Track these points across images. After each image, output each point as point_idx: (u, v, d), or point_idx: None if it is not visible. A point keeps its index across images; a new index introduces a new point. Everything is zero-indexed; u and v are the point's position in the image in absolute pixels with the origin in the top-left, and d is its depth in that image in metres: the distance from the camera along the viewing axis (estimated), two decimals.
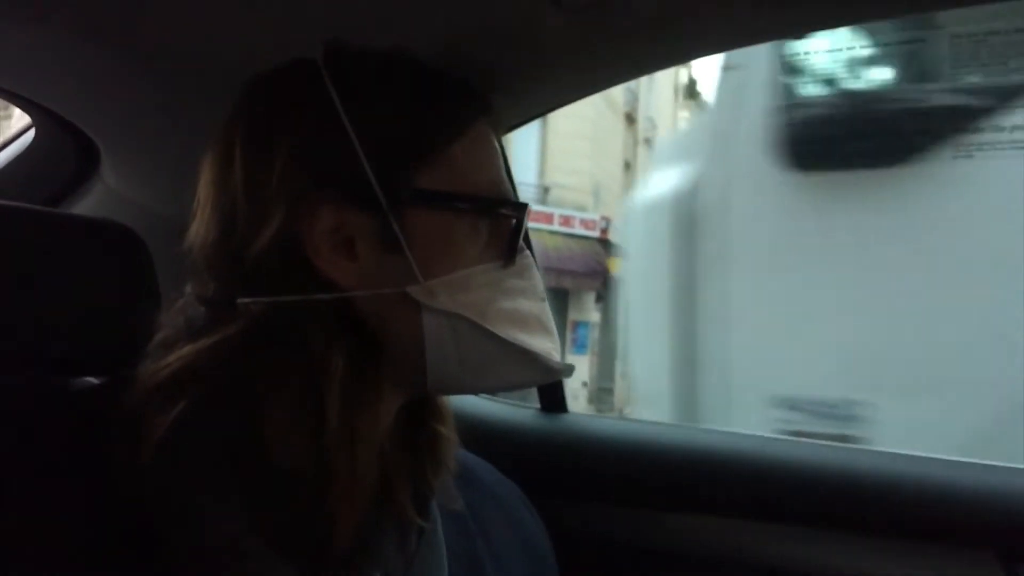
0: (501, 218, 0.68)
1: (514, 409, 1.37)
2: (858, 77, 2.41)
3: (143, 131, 1.00)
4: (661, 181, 2.96)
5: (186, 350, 0.62)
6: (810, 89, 2.41)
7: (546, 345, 0.69)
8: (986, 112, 2.16)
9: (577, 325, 13.58)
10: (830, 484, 1.13)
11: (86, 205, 1.11)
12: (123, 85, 0.89)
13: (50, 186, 1.12)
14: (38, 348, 0.69)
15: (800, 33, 0.81)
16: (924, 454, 1.15)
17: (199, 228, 0.66)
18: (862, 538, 1.09)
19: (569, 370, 0.72)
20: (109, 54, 0.82)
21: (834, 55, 2.34)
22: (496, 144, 0.71)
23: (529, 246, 0.71)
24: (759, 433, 1.26)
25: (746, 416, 2.44)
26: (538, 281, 0.71)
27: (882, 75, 2.42)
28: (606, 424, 1.38)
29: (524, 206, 0.69)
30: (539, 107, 0.96)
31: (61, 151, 1.07)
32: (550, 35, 0.78)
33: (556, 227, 13.36)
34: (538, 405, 1.36)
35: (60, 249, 0.70)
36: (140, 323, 0.68)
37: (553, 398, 1.34)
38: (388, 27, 0.74)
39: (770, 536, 1.12)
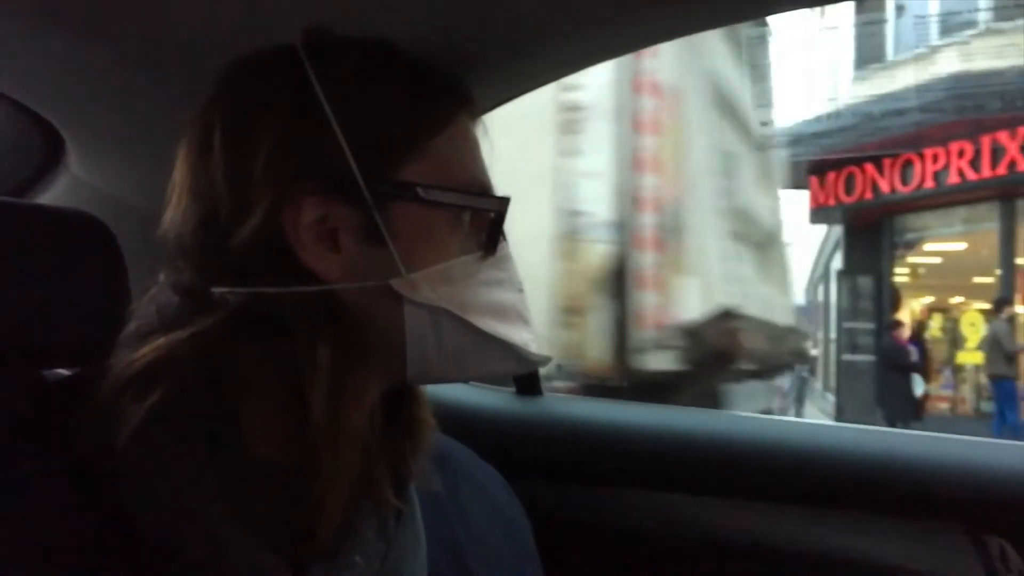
0: (482, 210, 0.68)
1: (490, 393, 1.38)
2: None
3: (109, 119, 0.98)
4: None
5: (162, 341, 0.61)
6: None
7: (524, 336, 0.70)
8: None
9: None
10: (801, 461, 1.14)
11: (52, 195, 1.09)
12: (88, 73, 0.87)
13: (14, 176, 1.10)
14: (6, 340, 0.68)
15: (783, 9, 0.80)
16: (891, 430, 1.17)
17: (175, 216, 0.65)
18: (833, 514, 1.10)
19: (546, 360, 0.72)
20: (74, 41, 0.81)
21: None
22: (477, 137, 0.71)
23: (505, 237, 0.71)
24: (730, 412, 1.27)
25: None
26: (515, 272, 0.71)
27: None
28: (581, 406, 1.39)
29: (506, 199, 0.69)
30: (516, 88, 0.96)
31: (24, 140, 1.05)
32: (526, 14, 0.77)
33: None
34: (513, 388, 1.37)
35: (26, 240, 0.69)
36: (110, 313, 0.68)
37: (528, 381, 1.35)
38: (362, 8, 0.73)
39: (742, 513, 1.13)
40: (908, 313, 12.38)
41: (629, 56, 4.07)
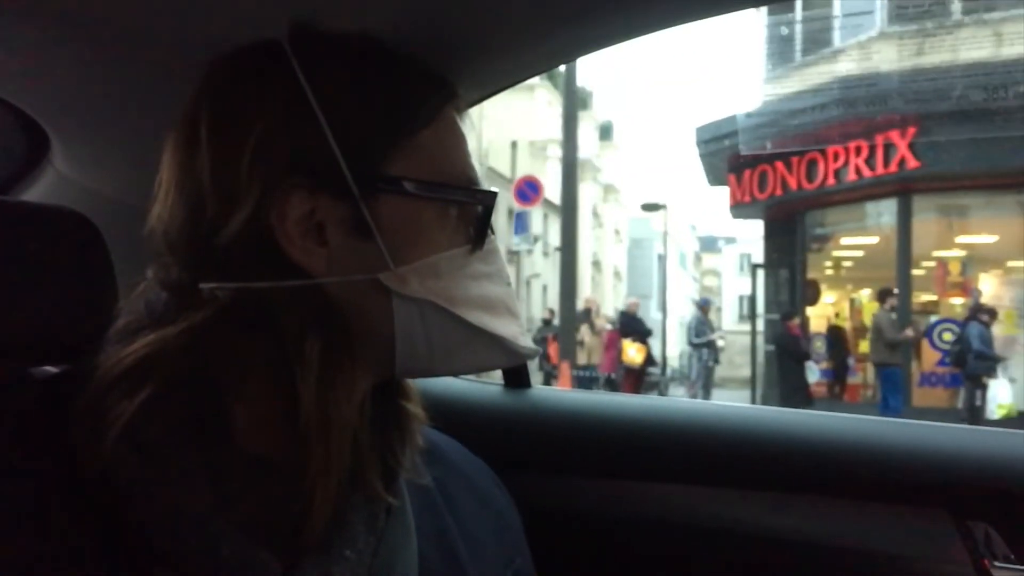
0: (469, 204, 0.66)
1: (479, 386, 1.34)
2: None
3: (94, 116, 0.93)
4: None
5: (151, 337, 0.58)
6: None
7: (512, 329, 0.68)
8: None
9: None
10: (788, 449, 1.11)
11: (37, 192, 1.05)
12: (73, 70, 0.82)
13: None
14: None
15: (759, 4, 0.79)
16: (877, 417, 1.15)
17: (162, 212, 0.62)
18: (820, 501, 1.07)
19: (534, 353, 0.70)
20: (59, 38, 0.76)
21: None
22: (463, 130, 0.69)
23: (492, 231, 0.68)
24: (718, 402, 1.25)
25: None
26: (503, 265, 0.69)
27: None
28: (569, 397, 1.37)
29: (493, 193, 0.67)
30: (500, 81, 0.93)
31: (9, 137, 1.01)
32: (511, 7, 0.74)
33: None
34: (502, 382, 1.33)
35: (11, 236, 0.66)
36: (97, 310, 0.65)
37: (517, 374, 1.31)
38: (347, 4, 0.69)
39: (730, 501, 1.10)
40: (833, 304, 12.60)
41: None
